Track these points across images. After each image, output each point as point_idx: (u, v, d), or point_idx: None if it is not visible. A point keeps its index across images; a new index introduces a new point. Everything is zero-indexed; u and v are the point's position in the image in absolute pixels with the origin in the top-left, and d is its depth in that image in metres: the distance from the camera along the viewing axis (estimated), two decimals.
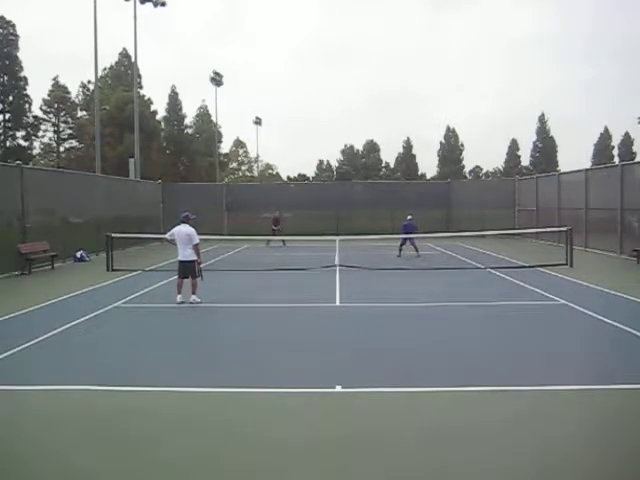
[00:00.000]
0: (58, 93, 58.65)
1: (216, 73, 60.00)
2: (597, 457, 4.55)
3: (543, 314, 10.14)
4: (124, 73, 58.51)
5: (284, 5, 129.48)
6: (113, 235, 17.45)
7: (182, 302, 11.11)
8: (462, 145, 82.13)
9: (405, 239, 20.04)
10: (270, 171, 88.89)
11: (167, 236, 11.85)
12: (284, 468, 4.36)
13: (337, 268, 16.36)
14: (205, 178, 57.00)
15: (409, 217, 20.87)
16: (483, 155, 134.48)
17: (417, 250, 19.87)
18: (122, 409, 5.65)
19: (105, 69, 58.87)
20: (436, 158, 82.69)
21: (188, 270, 11.30)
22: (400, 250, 20.14)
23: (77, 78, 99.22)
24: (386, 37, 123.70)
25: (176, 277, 11.71)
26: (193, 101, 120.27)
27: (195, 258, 11.32)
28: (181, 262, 11.41)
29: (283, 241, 25.41)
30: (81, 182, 22.77)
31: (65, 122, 60.09)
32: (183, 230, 11.33)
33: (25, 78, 53.56)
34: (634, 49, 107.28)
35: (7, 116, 54.03)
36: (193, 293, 11.20)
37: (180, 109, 66.28)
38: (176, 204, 31.10)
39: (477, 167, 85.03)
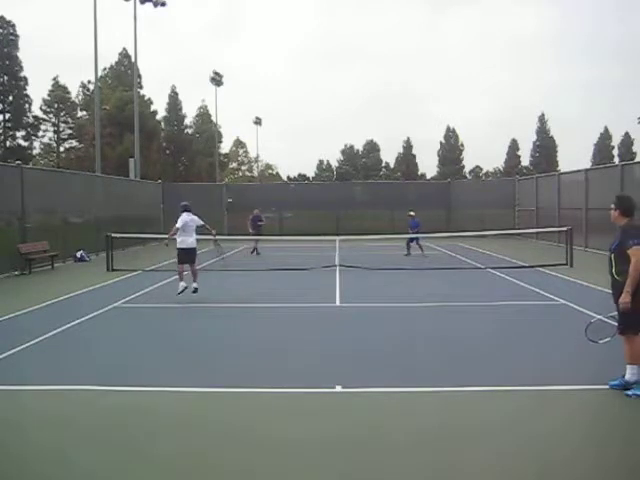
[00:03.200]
0: (58, 93, 58.69)
1: (216, 73, 59.95)
2: (597, 457, 4.55)
3: (543, 314, 10.13)
4: (124, 73, 58.50)
5: (284, 5, 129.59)
6: (113, 235, 17.45)
7: (185, 288, 11.40)
8: (462, 145, 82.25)
9: (412, 238, 20.34)
10: (270, 171, 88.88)
11: (178, 225, 11.63)
12: (284, 468, 4.36)
13: (337, 268, 16.36)
14: (205, 178, 57.01)
15: (412, 213, 21.05)
16: (483, 155, 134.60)
17: (422, 249, 20.21)
18: (122, 409, 5.65)
19: (105, 69, 58.92)
20: (436, 158, 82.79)
21: (190, 257, 11.69)
22: (409, 248, 20.47)
23: (77, 78, 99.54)
24: (386, 37, 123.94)
25: (177, 276, 11.88)
26: (193, 101, 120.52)
27: (195, 246, 11.76)
28: (185, 249, 11.62)
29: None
30: (81, 182, 22.77)
31: (65, 122, 60.15)
32: (190, 217, 11.71)
33: (25, 78, 53.64)
34: (634, 49, 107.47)
35: (7, 116, 54.04)
36: (195, 281, 11.56)
37: (180, 109, 66.33)
38: (176, 204, 30.95)
39: (477, 167, 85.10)
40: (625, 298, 5.55)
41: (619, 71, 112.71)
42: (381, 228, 28.22)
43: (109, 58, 60.41)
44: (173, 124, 65.61)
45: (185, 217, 11.71)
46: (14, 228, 16.90)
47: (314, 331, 9.10)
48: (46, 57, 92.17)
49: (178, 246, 11.66)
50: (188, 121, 68.96)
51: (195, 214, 11.99)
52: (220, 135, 69.01)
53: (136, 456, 4.62)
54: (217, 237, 12.25)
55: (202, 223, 11.99)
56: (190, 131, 68.92)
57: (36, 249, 16.90)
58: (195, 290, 11.43)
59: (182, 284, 11.48)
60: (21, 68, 53.12)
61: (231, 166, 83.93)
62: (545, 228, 23.14)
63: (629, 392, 5.69)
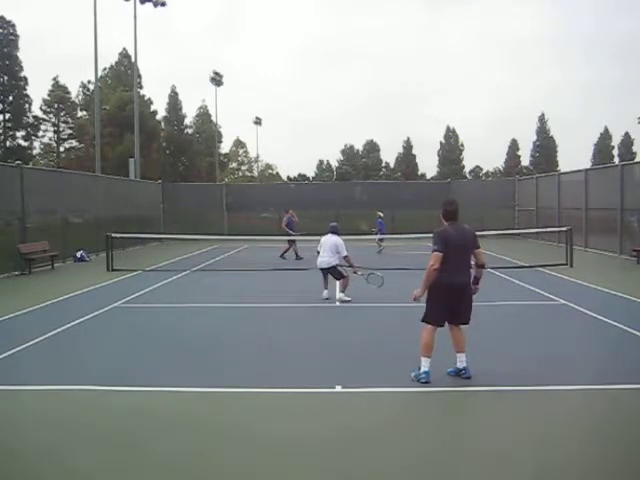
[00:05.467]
0: (58, 93, 58.59)
1: (216, 73, 59.95)
2: (596, 457, 4.55)
3: (543, 314, 10.13)
4: (124, 73, 58.44)
5: (284, 5, 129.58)
6: (113, 235, 17.45)
7: (327, 298, 11.46)
8: (462, 145, 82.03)
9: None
10: (270, 171, 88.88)
11: (318, 249, 11.91)
12: (284, 468, 4.36)
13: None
14: (205, 178, 57.01)
15: (380, 214, 22.56)
16: (483, 155, 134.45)
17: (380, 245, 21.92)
18: (122, 409, 5.64)
19: (105, 69, 58.84)
20: (436, 158, 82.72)
21: (331, 273, 11.66)
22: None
23: (77, 78, 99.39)
24: (386, 37, 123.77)
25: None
26: (193, 101, 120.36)
27: (336, 263, 11.58)
28: (322, 269, 11.68)
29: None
30: (81, 182, 22.75)
31: (65, 122, 60.03)
32: (330, 239, 11.68)
33: (25, 78, 53.48)
34: (634, 49, 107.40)
35: (7, 116, 53.95)
36: (341, 291, 11.52)
37: (180, 109, 66.25)
38: (176, 204, 31.22)
39: (477, 167, 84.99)
40: (416, 290, 6.36)
41: (619, 71, 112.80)
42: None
43: (109, 58, 60.44)
44: (173, 124, 65.55)
45: (324, 238, 11.82)
46: (14, 228, 16.89)
47: (314, 331, 9.10)
48: (46, 57, 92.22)
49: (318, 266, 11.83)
50: (188, 121, 68.95)
51: (339, 235, 11.83)
52: (220, 135, 69.00)
53: (136, 456, 4.62)
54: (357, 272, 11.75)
55: (345, 254, 11.48)
56: (190, 131, 68.85)
57: (36, 249, 16.88)
58: (339, 300, 11.36)
59: (325, 293, 11.58)
60: (21, 68, 52.99)
61: (231, 166, 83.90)
62: (545, 228, 23.13)
63: (412, 374, 6.25)
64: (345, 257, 11.50)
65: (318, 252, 11.82)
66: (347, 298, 11.32)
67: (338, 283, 11.66)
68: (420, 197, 31.41)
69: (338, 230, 11.87)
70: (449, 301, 6.25)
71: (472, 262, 6.63)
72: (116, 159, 47.58)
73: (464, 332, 6.41)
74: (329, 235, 11.78)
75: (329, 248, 11.57)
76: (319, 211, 31.07)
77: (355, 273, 11.55)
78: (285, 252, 19.76)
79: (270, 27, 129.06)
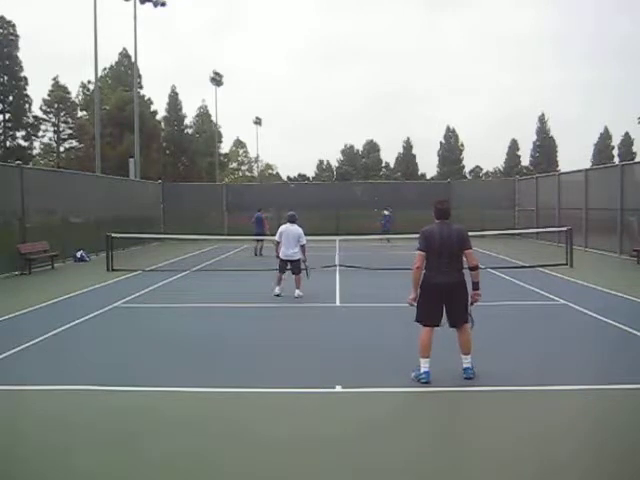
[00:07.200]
0: (58, 93, 58.58)
1: (216, 73, 60.04)
2: (596, 457, 4.55)
3: (543, 314, 10.13)
4: (124, 73, 58.44)
5: (284, 5, 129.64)
6: (113, 235, 17.45)
7: (279, 295, 11.48)
8: (462, 145, 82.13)
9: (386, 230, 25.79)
10: (270, 171, 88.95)
11: (277, 238, 11.75)
12: (284, 468, 4.36)
13: (337, 268, 16.35)
14: (205, 178, 57.07)
15: (386, 212, 26.64)
16: (483, 155, 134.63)
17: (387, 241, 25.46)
18: (122, 409, 5.64)
19: (105, 69, 58.83)
20: (436, 158, 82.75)
21: (293, 267, 11.60)
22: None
23: (77, 78, 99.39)
24: (386, 37, 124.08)
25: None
26: (193, 101, 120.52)
27: (300, 257, 11.55)
28: (285, 260, 11.55)
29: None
30: (81, 182, 22.73)
31: (65, 122, 60.00)
32: (292, 229, 11.53)
33: (25, 78, 53.46)
34: (634, 49, 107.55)
35: (7, 116, 53.93)
36: (297, 288, 11.54)
37: (180, 109, 66.28)
38: (176, 204, 31.21)
39: (477, 167, 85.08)
40: (409, 294, 6.36)
41: (619, 71, 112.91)
42: (381, 228, 28.18)
43: (109, 58, 60.45)
44: (173, 124, 65.56)
45: (283, 228, 11.65)
46: (14, 228, 16.88)
47: (314, 331, 9.10)
48: (46, 57, 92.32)
49: (280, 256, 11.63)
50: (188, 121, 69.00)
51: (300, 225, 11.74)
52: (220, 135, 69.05)
53: (136, 456, 4.62)
54: (306, 261, 11.90)
55: (303, 243, 11.47)
56: (190, 131, 68.89)
57: (36, 249, 16.88)
58: (296, 297, 11.39)
59: (277, 289, 11.57)
60: (21, 68, 52.96)
61: (231, 166, 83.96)
62: (545, 228, 23.13)
63: (412, 374, 6.27)
64: (303, 246, 11.52)
65: (278, 242, 11.66)
66: (302, 294, 11.45)
67: (295, 279, 11.61)
68: (420, 197, 31.38)
69: (296, 218, 11.83)
70: (437, 301, 6.26)
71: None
72: (116, 159, 47.56)
73: (469, 334, 6.33)
74: (288, 224, 11.60)
75: (293, 239, 11.44)
76: (319, 211, 31.09)
77: (304, 262, 11.76)
78: (261, 249, 21.04)
79: (270, 27, 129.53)
